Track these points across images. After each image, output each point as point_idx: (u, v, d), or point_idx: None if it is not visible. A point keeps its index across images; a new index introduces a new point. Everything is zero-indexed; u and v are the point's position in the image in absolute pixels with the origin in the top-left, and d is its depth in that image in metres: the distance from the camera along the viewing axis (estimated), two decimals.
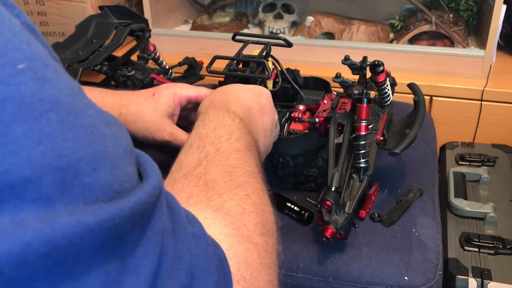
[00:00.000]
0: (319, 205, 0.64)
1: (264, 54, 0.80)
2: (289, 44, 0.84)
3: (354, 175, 0.71)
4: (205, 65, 0.99)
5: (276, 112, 0.68)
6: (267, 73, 0.76)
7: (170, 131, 0.69)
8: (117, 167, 0.29)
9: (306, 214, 0.73)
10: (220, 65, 0.79)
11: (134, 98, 0.70)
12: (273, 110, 0.66)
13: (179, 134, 0.70)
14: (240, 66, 0.82)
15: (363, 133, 0.70)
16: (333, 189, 0.65)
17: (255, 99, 0.62)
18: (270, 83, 0.80)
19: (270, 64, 0.79)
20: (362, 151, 0.70)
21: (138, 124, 0.68)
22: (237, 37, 0.85)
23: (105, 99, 0.69)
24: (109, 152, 0.28)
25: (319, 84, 0.88)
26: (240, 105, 0.59)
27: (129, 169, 0.30)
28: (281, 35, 1.52)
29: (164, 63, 0.99)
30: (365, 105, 0.70)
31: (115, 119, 0.33)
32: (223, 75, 0.80)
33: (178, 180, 0.46)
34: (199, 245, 0.34)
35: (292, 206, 0.75)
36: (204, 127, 0.54)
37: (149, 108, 0.69)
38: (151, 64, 0.97)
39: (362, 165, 0.70)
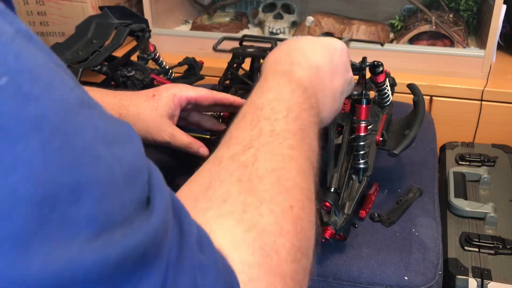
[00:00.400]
0: (318, 206, 0.64)
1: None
2: None
3: (354, 176, 0.71)
4: (205, 65, 0.99)
5: (351, 70, 0.62)
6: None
7: (170, 132, 0.69)
8: (109, 195, 0.25)
9: None
10: (221, 65, 0.78)
11: (134, 99, 0.69)
12: (347, 69, 0.60)
13: (179, 135, 0.70)
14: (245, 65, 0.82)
15: (363, 134, 0.70)
16: (332, 190, 0.65)
17: (327, 57, 0.56)
18: None
19: None
20: (362, 152, 0.70)
21: (138, 125, 0.68)
22: (244, 40, 0.85)
23: (105, 99, 0.68)
24: (100, 178, 0.25)
25: None
26: (307, 67, 0.53)
27: (128, 196, 0.26)
28: (281, 35, 1.52)
29: (164, 63, 0.99)
30: (364, 106, 0.70)
31: (127, 131, 0.30)
32: (223, 80, 0.81)
33: (225, 161, 0.41)
34: (207, 278, 0.29)
35: None
36: (260, 96, 0.48)
37: (149, 109, 0.68)
38: (151, 64, 0.97)
39: (362, 166, 0.70)
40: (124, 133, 0.29)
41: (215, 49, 0.76)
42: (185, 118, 0.77)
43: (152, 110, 0.68)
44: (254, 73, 0.77)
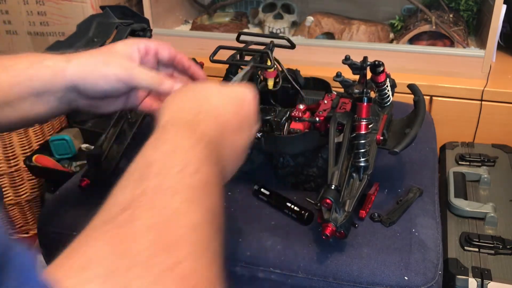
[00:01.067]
0: (319, 204, 0.64)
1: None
2: (292, 45, 0.84)
3: (354, 174, 0.71)
4: (205, 65, 0.99)
5: (259, 121, 0.57)
6: (270, 63, 0.76)
7: (129, 65, 0.60)
8: None
9: (306, 214, 0.73)
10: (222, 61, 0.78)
11: (86, 51, 0.61)
12: (255, 122, 0.54)
13: (139, 69, 0.61)
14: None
15: (363, 132, 0.71)
16: (333, 187, 0.65)
17: (235, 110, 0.51)
18: (270, 83, 0.81)
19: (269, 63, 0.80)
20: (362, 150, 0.70)
21: (92, 61, 0.58)
22: (241, 37, 0.85)
23: (47, 55, 0.59)
24: None
25: (319, 85, 0.88)
26: (213, 118, 0.48)
27: None
28: (281, 35, 1.52)
29: None
30: (365, 104, 0.70)
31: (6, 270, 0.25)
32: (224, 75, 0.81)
33: (96, 229, 0.35)
34: None
35: (292, 206, 0.75)
36: (154, 149, 0.42)
37: (104, 51, 0.60)
38: None
39: (362, 164, 0.70)
40: (8, 273, 0.25)
41: (211, 60, 0.76)
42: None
43: (107, 51, 0.61)
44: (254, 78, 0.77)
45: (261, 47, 0.82)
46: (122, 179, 0.41)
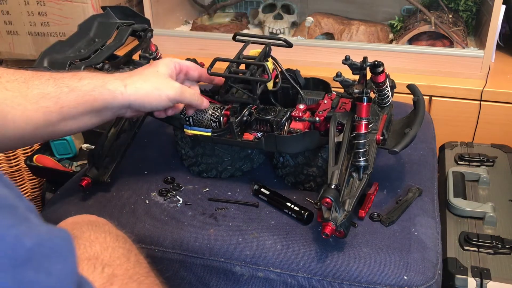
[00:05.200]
0: (319, 203, 0.64)
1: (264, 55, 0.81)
2: (289, 45, 0.85)
3: (354, 174, 0.71)
4: (205, 66, 0.99)
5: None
6: (267, 75, 0.77)
7: (179, 85, 0.72)
8: None
9: (306, 213, 0.73)
10: (221, 66, 0.79)
11: (135, 71, 0.72)
12: None
13: (186, 88, 0.73)
14: (242, 66, 0.83)
15: (363, 131, 0.71)
16: (333, 187, 0.65)
17: None
18: (270, 83, 0.81)
19: (270, 64, 0.80)
20: (362, 150, 0.71)
21: (147, 88, 0.69)
22: (238, 37, 0.86)
23: (106, 77, 0.69)
24: None
25: (319, 85, 0.88)
26: None
27: None
28: (281, 35, 1.52)
29: None
30: (365, 103, 0.71)
31: (58, 245, 0.29)
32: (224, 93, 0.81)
33: None
34: None
35: (292, 206, 0.75)
36: None
37: (153, 73, 0.71)
38: None
39: (362, 163, 0.70)
40: (55, 246, 0.29)
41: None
42: None
43: (154, 72, 0.71)
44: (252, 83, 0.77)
45: (260, 46, 0.83)
46: None
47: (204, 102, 0.77)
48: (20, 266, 0.27)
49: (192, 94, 0.74)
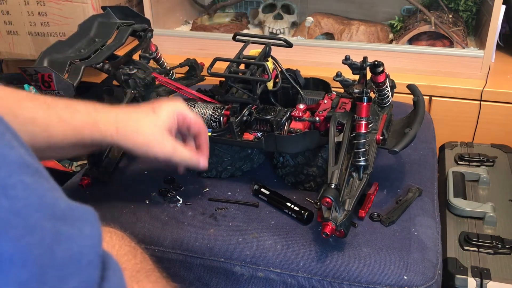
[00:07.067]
0: (319, 202, 0.64)
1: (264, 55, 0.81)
2: (289, 45, 0.85)
3: (354, 174, 0.71)
4: (205, 66, 0.99)
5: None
6: (267, 75, 0.77)
7: (172, 145, 0.68)
8: (45, 275, 0.28)
9: (306, 213, 0.73)
10: (221, 65, 0.79)
11: (133, 114, 0.68)
12: None
13: (180, 149, 0.69)
14: (241, 66, 0.83)
15: (363, 131, 0.71)
16: (332, 186, 0.65)
17: None
18: (270, 83, 0.81)
19: (270, 64, 0.80)
20: (362, 150, 0.71)
21: (137, 140, 0.66)
22: (238, 37, 0.86)
23: (99, 114, 0.65)
24: (35, 253, 0.28)
25: (319, 85, 0.88)
26: None
27: (74, 282, 0.29)
28: (281, 35, 1.52)
29: (165, 64, 0.99)
30: (365, 103, 0.71)
31: (87, 213, 0.33)
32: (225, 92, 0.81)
33: None
34: None
35: (292, 206, 0.75)
36: None
37: (149, 123, 0.67)
38: (152, 64, 0.97)
39: (362, 163, 0.70)
40: (83, 214, 0.32)
41: (209, 72, 0.77)
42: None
43: (152, 124, 0.67)
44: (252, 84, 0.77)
45: (260, 46, 0.83)
46: None
47: (201, 163, 0.71)
48: (59, 220, 0.31)
49: (185, 157, 0.69)
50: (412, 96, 0.84)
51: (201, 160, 0.71)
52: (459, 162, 1.06)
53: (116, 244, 0.50)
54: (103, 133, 0.64)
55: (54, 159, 0.69)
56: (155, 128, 0.67)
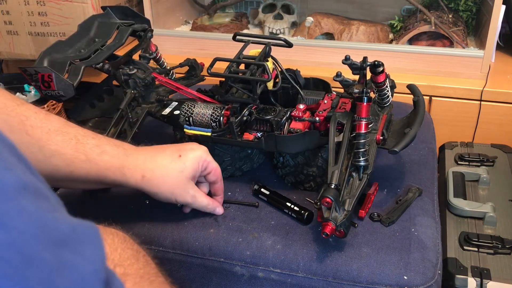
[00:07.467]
0: (319, 202, 0.64)
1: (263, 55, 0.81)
2: (289, 45, 0.85)
3: (354, 174, 0.71)
4: (205, 66, 0.99)
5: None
6: (267, 75, 0.77)
7: (193, 194, 0.70)
8: None
9: (306, 213, 0.73)
10: (221, 65, 0.79)
11: (159, 160, 0.68)
12: None
13: (200, 197, 0.71)
14: (241, 66, 0.83)
15: (363, 131, 0.71)
16: (332, 186, 0.65)
17: None
18: (270, 83, 0.81)
19: (270, 64, 0.80)
20: (362, 150, 0.71)
21: (163, 188, 0.68)
22: (238, 37, 0.86)
23: (128, 159, 0.66)
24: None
25: (319, 85, 0.88)
26: None
27: None
28: (281, 35, 1.52)
29: (165, 64, 0.99)
30: (365, 103, 0.71)
31: (89, 233, 0.32)
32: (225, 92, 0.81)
33: None
34: None
35: (292, 206, 0.75)
36: None
37: (175, 171, 0.68)
38: (152, 64, 0.97)
39: (362, 163, 0.70)
40: (85, 234, 0.31)
41: (209, 72, 0.77)
42: None
43: (178, 172, 0.68)
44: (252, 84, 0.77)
45: (260, 46, 0.83)
46: None
47: (217, 209, 0.75)
48: (59, 246, 0.29)
49: (203, 205, 0.73)
50: (412, 96, 0.84)
51: (217, 208, 0.75)
52: (459, 162, 1.06)
53: (118, 247, 0.50)
54: (127, 178, 0.66)
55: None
56: (181, 176, 0.68)
